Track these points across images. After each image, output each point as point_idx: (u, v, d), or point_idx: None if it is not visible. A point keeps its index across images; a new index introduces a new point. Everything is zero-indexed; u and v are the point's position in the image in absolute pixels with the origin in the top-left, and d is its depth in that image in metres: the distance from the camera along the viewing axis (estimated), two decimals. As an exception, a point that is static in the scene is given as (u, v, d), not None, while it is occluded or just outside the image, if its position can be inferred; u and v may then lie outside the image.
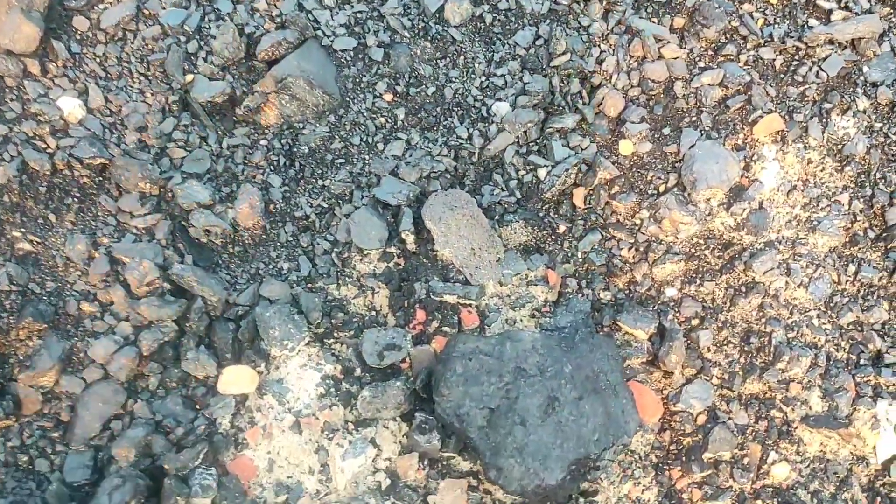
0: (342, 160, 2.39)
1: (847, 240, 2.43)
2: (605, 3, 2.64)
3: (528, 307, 2.24)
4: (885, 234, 2.41)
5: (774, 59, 2.60)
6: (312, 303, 2.16)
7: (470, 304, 2.20)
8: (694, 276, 2.37)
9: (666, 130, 2.49)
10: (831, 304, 2.36)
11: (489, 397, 1.94)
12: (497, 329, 2.20)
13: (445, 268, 2.25)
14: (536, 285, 2.27)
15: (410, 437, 1.98)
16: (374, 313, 2.21)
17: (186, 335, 2.09)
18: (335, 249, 2.27)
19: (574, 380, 1.99)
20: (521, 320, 2.23)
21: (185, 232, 2.21)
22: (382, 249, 2.25)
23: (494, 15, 2.60)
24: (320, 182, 2.36)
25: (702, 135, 2.47)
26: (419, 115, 2.48)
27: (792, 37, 2.62)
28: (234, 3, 2.48)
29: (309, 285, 2.23)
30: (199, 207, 2.22)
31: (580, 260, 2.35)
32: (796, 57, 2.61)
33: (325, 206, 2.33)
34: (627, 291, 2.34)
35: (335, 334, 2.16)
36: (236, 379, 2.01)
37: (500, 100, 2.48)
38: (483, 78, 2.52)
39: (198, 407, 2.05)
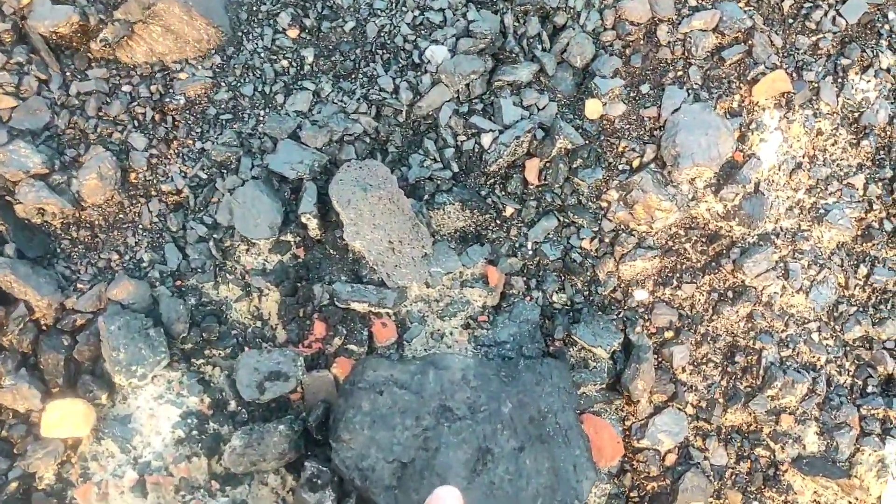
0: (229, 116, 1.85)
1: (859, 234, 1.96)
2: (576, -82, 2.07)
3: (460, 316, 1.76)
4: (905, 228, 1.95)
5: (783, 0, 2.07)
6: (176, 311, 1.65)
7: (385, 314, 1.71)
8: (670, 275, 1.90)
9: (644, 88, 1.97)
10: (835, 315, 1.92)
11: (402, 447, 1.48)
12: (420, 345, 1.72)
13: (357, 262, 1.75)
14: (473, 287, 1.78)
15: (297, 496, 1.50)
16: (259, 324, 1.71)
17: (2, 354, 1.58)
18: (214, 235, 1.75)
19: (514, 424, 1.54)
20: (452, 333, 1.75)
21: (9, 211, 1.67)
22: (275, 238, 1.74)
23: (436, -72, 2.02)
24: (199, 144, 1.82)
25: (689, 95, 1.96)
26: (332, 59, 1.93)
27: (806, -29, 2.09)
28: None
29: (177, 283, 1.72)
30: (30, 178, 1.67)
31: (530, 252, 1.86)
32: (810, -2, 2.09)
33: (204, 176, 1.80)
34: (587, 293, 1.87)
35: (207, 352, 1.67)
36: (65, 417, 1.51)
37: (436, 42, 1.93)
38: (416, 12, 1.96)
39: (14, 452, 1.55)
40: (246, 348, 1.67)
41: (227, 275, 1.73)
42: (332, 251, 1.77)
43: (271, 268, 1.74)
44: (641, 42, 2.01)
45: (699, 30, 2.01)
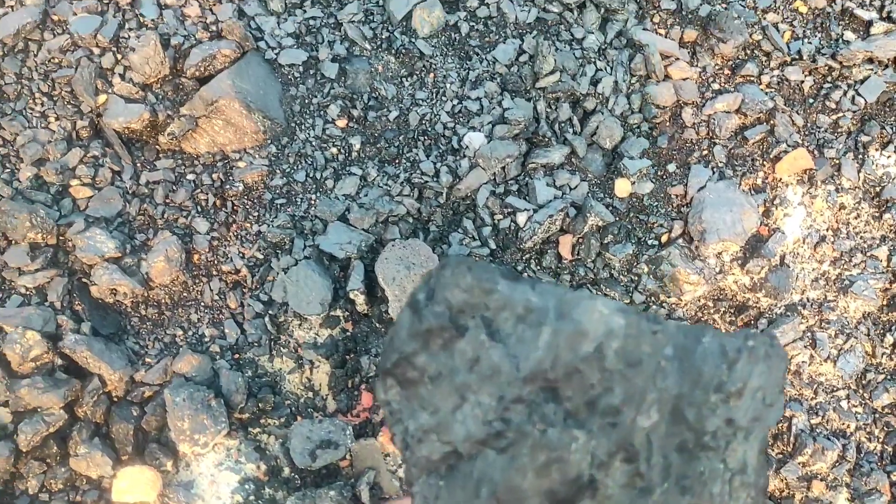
0: (283, 200, 2.00)
1: (885, 303, 2.03)
2: (602, 10, 2.22)
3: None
4: (930, 298, 2.01)
5: (803, 81, 2.19)
6: (235, 383, 1.78)
7: (428, 384, 1.82)
8: (700, 346, 1.98)
9: (671, 167, 2.09)
10: (864, 383, 1.97)
11: (463, 428, 0.93)
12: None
13: (401, 336, 1.87)
14: (510, 358, 1.89)
15: (346, 559, 1.60)
16: (311, 394, 1.83)
17: (78, 424, 1.72)
18: (269, 312, 1.89)
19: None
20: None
21: (85, 291, 1.84)
22: (326, 314, 1.87)
23: (472, 24, 2.19)
24: (255, 227, 1.97)
25: (714, 173, 2.07)
26: (378, 146, 2.09)
27: (824, 54, 2.21)
28: (161, 9, 2.08)
29: (235, 356, 1.85)
30: (104, 261, 1.84)
31: (565, 324, 1.96)
32: (829, 78, 2.20)
33: (260, 257, 1.95)
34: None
35: (262, 421, 1.79)
36: (133, 484, 1.64)
37: (473, 129, 2.08)
38: (455, 101, 2.12)
39: (87, 517, 1.68)
40: (298, 417, 1.79)
41: (282, 348, 1.87)
42: (378, 325, 1.90)
43: (322, 341, 1.86)
44: (667, 124, 2.14)
45: (722, 111, 2.13)
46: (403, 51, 2.14)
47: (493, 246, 2.00)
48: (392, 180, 2.04)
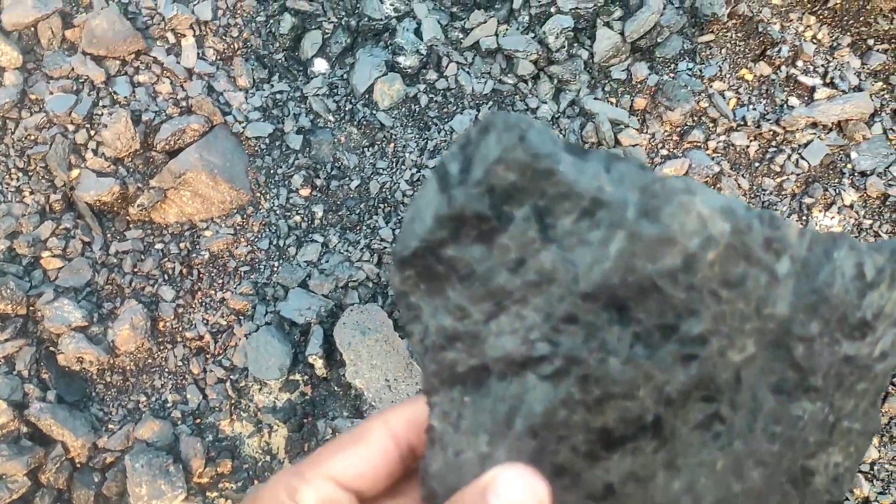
0: (247, 268, 2.09)
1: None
2: (556, 81, 2.33)
3: (453, 447, 1.92)
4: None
5: (748, 146, 2.28)
6: (194, 448, 1.84)
7: (383, 446, 1.87)
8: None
9: (622, 231, 2.17)
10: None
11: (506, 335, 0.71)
12: (415, 475, 1.87)
13: (358, 399, 1.93)
14: (464, 419, 1.94)
15: None
16: (268, 458, 1.89)
17: (41, 490, 1.78)
18: (231, 377, 1.96)
19: None
20: (445, 463, 1.90)
21: (52, 360, 1.91)
22: (285, 378, 1.93)
23: (431, 96, 2.30)
24: (219, 294, 2.05)
25: (663, 235, 2.15)
26: (340, 213, 2.18)
27: (769, 119, 2.31)
28: (134, 86, 2.19)
29: (197, 421, 1.92)
30: (71, 330, 1.91)
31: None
32: (773, 143, 2.29)
33: (224, 323, 2.02)
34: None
35: (221, 485, 1.84)
36: (92, 549, 1.69)
37: (430, 196, 2.17)
38: (414, 170, 2.22)
39: (47, 583, 1.73)
40: (255, 481, 1.84)
41: (242, 412, 1.93)
42: (336, 388, 1.96)
43: (281, 405, 1.93)
44: (618, 189, 2.22)
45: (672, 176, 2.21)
46: (365, 122, 2.25)
47: (449, 309, 2.07)
48: (353, 246, 2.13)
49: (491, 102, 2.30)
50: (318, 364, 1.94)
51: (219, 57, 2.26)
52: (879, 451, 1.99)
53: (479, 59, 2.36)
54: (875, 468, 1.98)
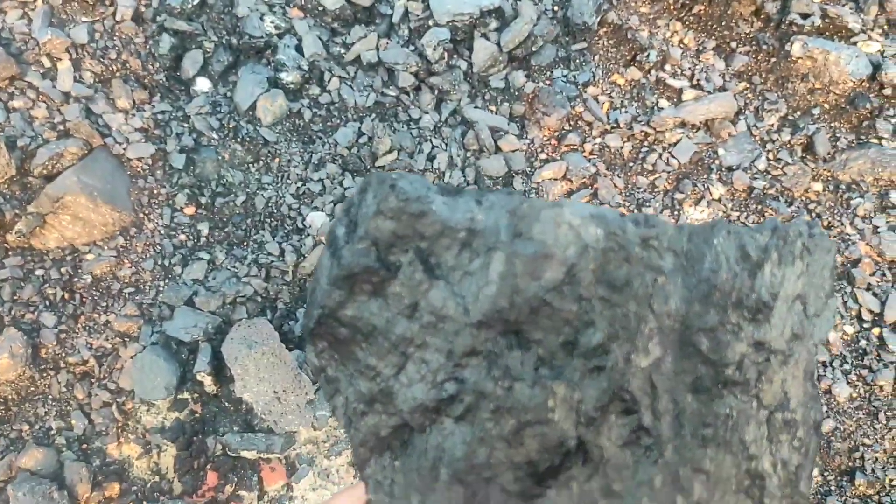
0: (131, 289, 2.07)
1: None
2: (437, 92, 2.40)
3: (345, 454, 1.95)
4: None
5: (622, 147, 2.39)
6: (79, 474, 1.82)
7: (275, 458, 1.89)
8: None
9: (504, 233, 2.24)
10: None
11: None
12: (308, 485, 1.89)
13: (249, 413, 1.94)
14: (356, 426, 1.97)
15: None
16: (157, 478, 1.88)
17: (-84, 528, 1.73)
18: (117, 400, 1.94)
19: None
20: (338, 471, 1.93)
21: (-74, 394, 1.86)
22: (172, 398, 1.93)
23: (314, 111, 2.34)
24: (103, 317, 2.03)
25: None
26: (226, 230, 2.19)
27: (640, 121, 2.42)
28: (8, 112, 2.16)
29: (83, 447, 1.89)
30: (-54, 363, 1.87)
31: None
32: (645, 143, 2.41)
33: (108, 346, 2.00)
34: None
35: (108, 510, 1.83)
36: (-29, 584, 1.65)
37: (316, 208, 2.20)
38: (299, 183, 2.24)
39: None
40: (144, 503, 1.83)
41: (129, 435, 1.91)
42: (227, 404, 1.97)
43: (169, 425, 1.92)
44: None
45: (550, 179, 2.30)
46: (249, 139, 2.27)
47: (338, 319, 2.10)
48: (239, 262, 2.14)
49: (373, 115, 2.34)
50: (207, 381, 1.95)
51: (97, 79, 2.25)
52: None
53: (362, 72, 2.41)
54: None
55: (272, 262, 2.13)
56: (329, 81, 2.38)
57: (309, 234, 2.17)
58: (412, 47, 2.43)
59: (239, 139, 2.27)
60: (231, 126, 2.29)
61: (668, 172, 2.36)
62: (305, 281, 2.15)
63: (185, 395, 1.95)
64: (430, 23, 2.43)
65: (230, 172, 2.23)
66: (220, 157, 2.25)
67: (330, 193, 2.22)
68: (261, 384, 1.90)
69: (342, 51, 2.42)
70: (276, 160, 2.27)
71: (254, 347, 1.92)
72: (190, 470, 1.86)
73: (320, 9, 2.47)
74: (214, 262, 2.14)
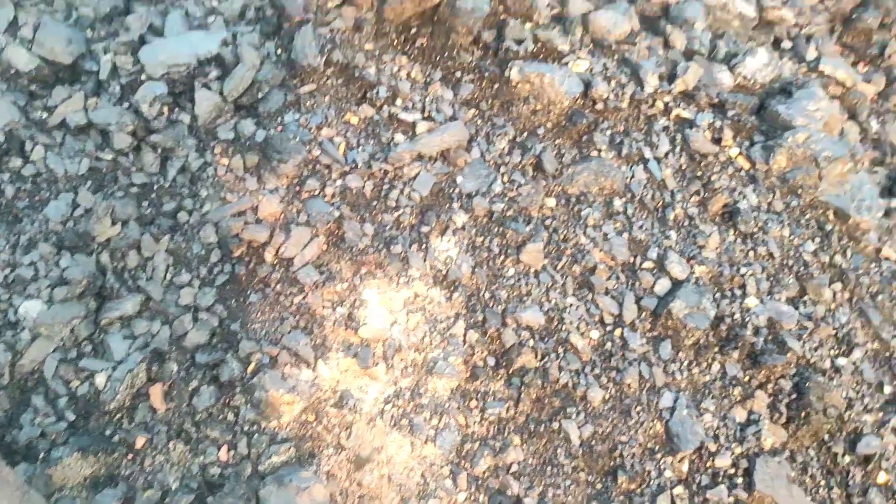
0: None
1: (468, 375, 2.23)
2: (160, 150, 2.24)
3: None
4: (503, 360, 2.24)
5: (363, 187, 2.37)
6: None
7: None
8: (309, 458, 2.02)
9: (254, 297, 2.13)
10: (463, 454, 2.14)
11: None
12: None
13: (-29, 547, 1.67)
14: (105, 534, 1.77)
15: None
16: None
17: None
18: None
19: None
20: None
21: None
22: None
23: (18, 185, 2.09)
24: None
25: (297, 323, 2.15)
26: (-81, 337, 1.88)
27: (378, 159, 2.41)
28: None
29: None
30: None
31: (170, 480, 1.89)
32: (385, 180, 2.41)
33: None
34: None
35: None
36: None
37: (30, 296, 1.96)
38: (7, 270, 1.99)
39: None
40: None
41: None
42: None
43: None
44: (248, 256, 2.19)
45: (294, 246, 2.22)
46: (-62, 227, 1.97)
47: (72, 417, 1.88)
48: (-59, 372, 1.85)
49: (90, 182, 2.14)
50: (-87, 520, 1.65)
51: None
52: (524, 451, 2.16)
53: (70, 137, 2.19)
54: (521, 467, 2.15)
55: (-17, 364, 1.86)
56: (32, 150, 2.14)
57: (24, 327, 1.92)
58: (126, 104, 2.25)
59: (-75, 228, 1.97)
60: (-86, 214, 1.98)
61: (412, 207, 2.37)
62: (27, 380, 1.91)
63: None
64: (143, 77, 2.27)
65: (-82, 268, 1.93)
66: None
67: (45, 277, 1.99)
68: (-18, 511, 1.65)
69: (44, 115, 2.19)
70: (-24, 247, 1.99)
71: (-35, 472, 1.66)
72: None
73: (13, 71, 2.22)
74: None
